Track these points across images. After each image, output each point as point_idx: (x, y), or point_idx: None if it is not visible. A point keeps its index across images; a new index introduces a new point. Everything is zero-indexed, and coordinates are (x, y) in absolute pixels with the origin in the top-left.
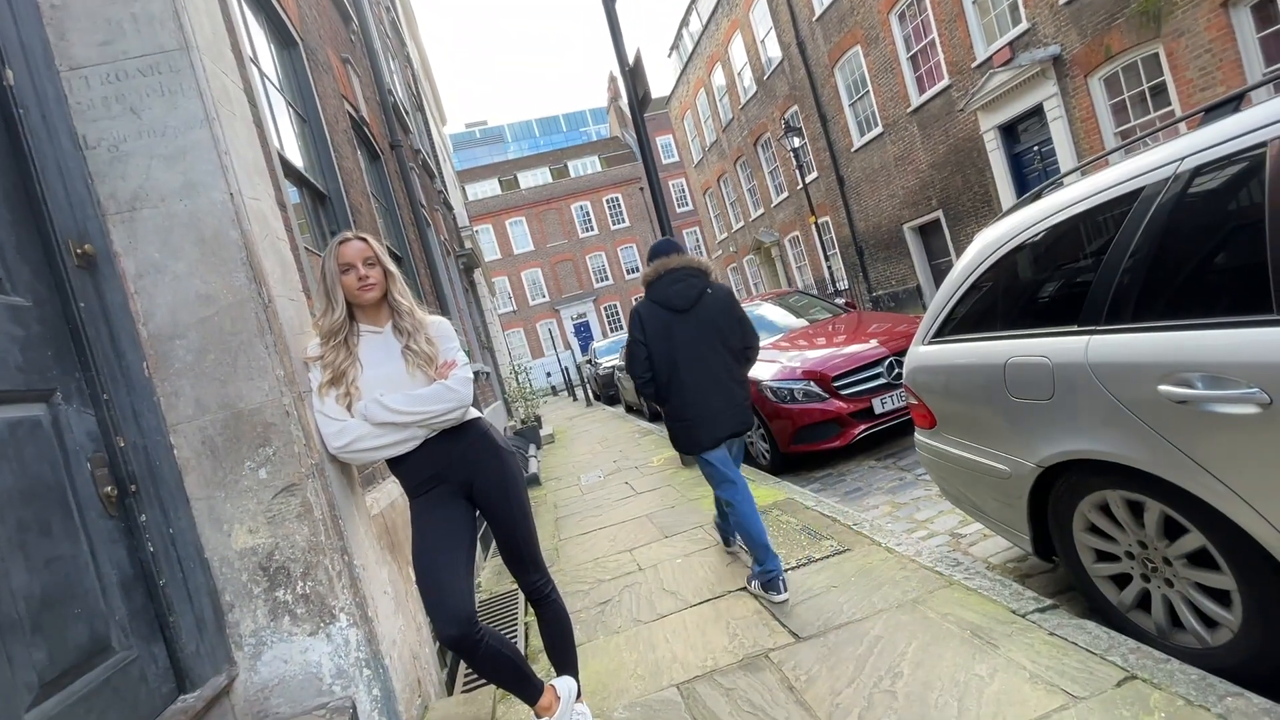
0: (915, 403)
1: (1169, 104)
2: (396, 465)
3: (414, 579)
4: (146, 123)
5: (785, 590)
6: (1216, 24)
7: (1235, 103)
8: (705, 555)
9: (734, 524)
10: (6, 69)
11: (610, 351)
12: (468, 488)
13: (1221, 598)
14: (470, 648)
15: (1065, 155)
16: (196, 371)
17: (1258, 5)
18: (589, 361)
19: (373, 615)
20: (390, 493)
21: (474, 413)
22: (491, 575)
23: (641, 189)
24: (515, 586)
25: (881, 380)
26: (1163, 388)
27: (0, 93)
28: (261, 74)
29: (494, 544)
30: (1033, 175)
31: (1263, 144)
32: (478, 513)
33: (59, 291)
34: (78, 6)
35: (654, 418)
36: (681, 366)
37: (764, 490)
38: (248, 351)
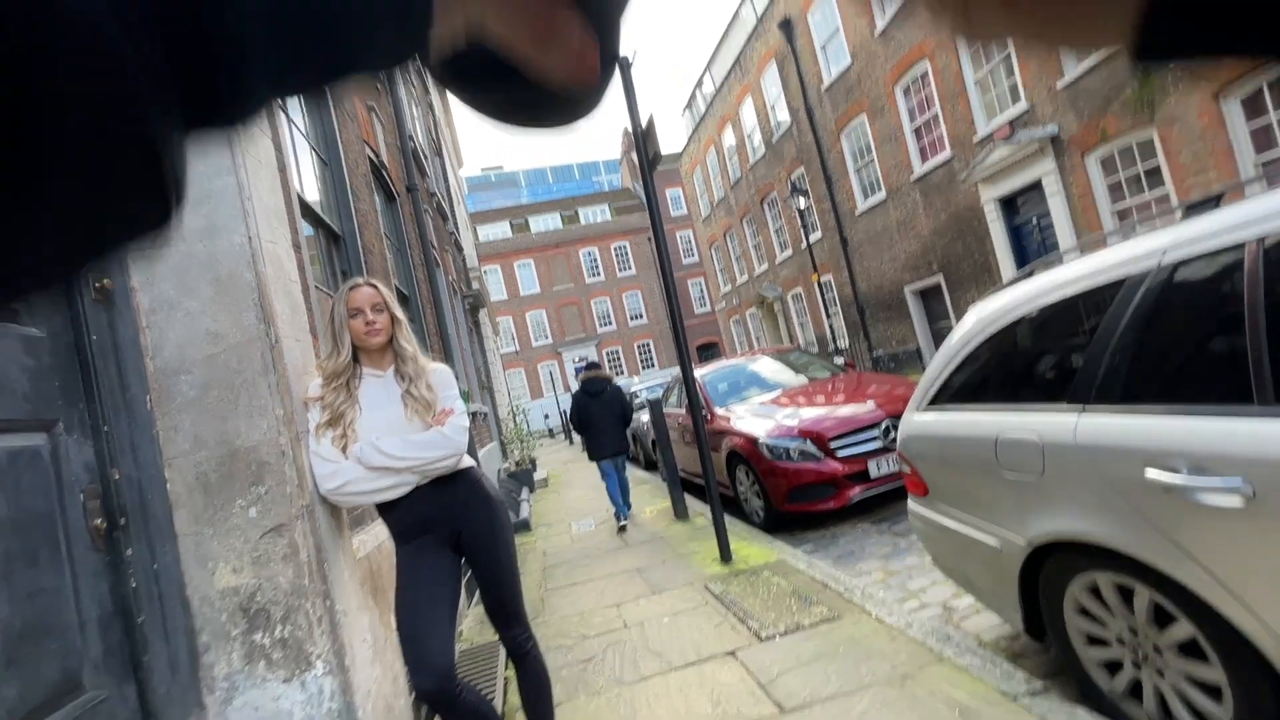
0: (908, 470)
1: (1164, 186)
2: (386, 510)
3: (394, 626)
4: None
5: (623, 519)
6: (1208, 113)
7: (1216, 201)
8: (694, 616)
9: (610, 494)
10: None
11: None
12: (455, 536)
13: (1213, 692)
14: (447, 703)
15: (1063, 229)
16: (199, 407)
17: (1248, 98)
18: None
19: (350, 664)
20: (378, 535)
21: (467, 461)
22: (474, 624)
23: (649, 240)
24: (497, 638)
25: (878, 443)
26: (1150, 473)
27: None
28: (290, 121)
29: (478, 593)
30: (1032, 246)
31: (1240, 244)
32: (464, 562)
33: (73, 324)
34: None
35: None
36: (591, 420)
37: (756, 549)
38: (250, 390)
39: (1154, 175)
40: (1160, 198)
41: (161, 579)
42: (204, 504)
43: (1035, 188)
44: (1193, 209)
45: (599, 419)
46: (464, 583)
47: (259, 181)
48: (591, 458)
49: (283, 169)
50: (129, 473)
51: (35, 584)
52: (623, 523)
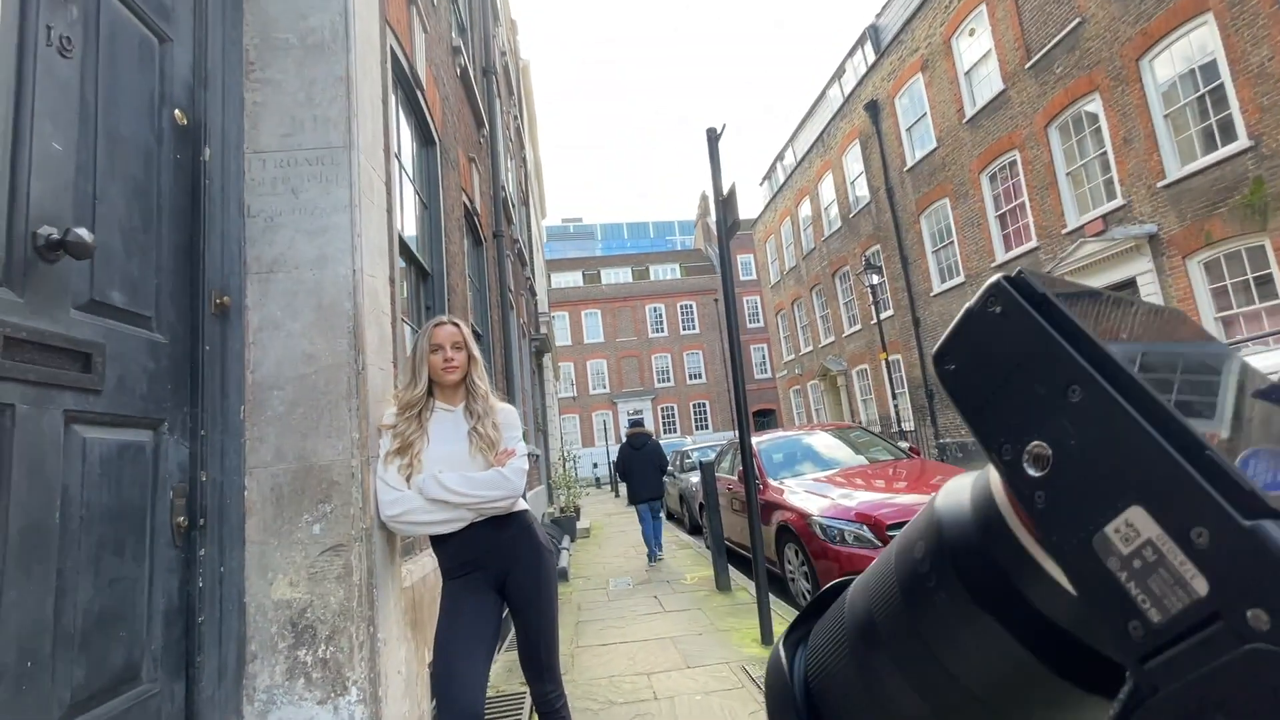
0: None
1: (1276, 297)
2: (439, 543)
3: (429, 661)
4: (301, 202)
5: (654, 559)
6: None
7: None
8: (728, 698)
9: (644, 535)
10: (206, 148)
11: None
12: (502, 579)
13: None
14: None
15: None
16: (284, 422)
17: None
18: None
19: (383, 695)
20: (425, 566)
21: (522, 504)
22: (502, 671)
23: (716, 300)
24: (525, 689)
25: None
26: None
27: (195, 166)
28: (401, 167)
29: (510, 637)
30: None
31: None
32: (504, 606)
33: (192, 334)
34: (273, 104)
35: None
36: (633, 470)
37: None
38: (332, 411)
39: (1265, 284)
40: (1273, 308)
41: (225, 583)
42: (274, 515)
43: (1129, 286)
44: None
45: (640, 468)
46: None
47: (369, 220)
48: (630, 501)
49: (390, 209)
50: (215, 476)
51: (118, 572)
52: (653, 562)
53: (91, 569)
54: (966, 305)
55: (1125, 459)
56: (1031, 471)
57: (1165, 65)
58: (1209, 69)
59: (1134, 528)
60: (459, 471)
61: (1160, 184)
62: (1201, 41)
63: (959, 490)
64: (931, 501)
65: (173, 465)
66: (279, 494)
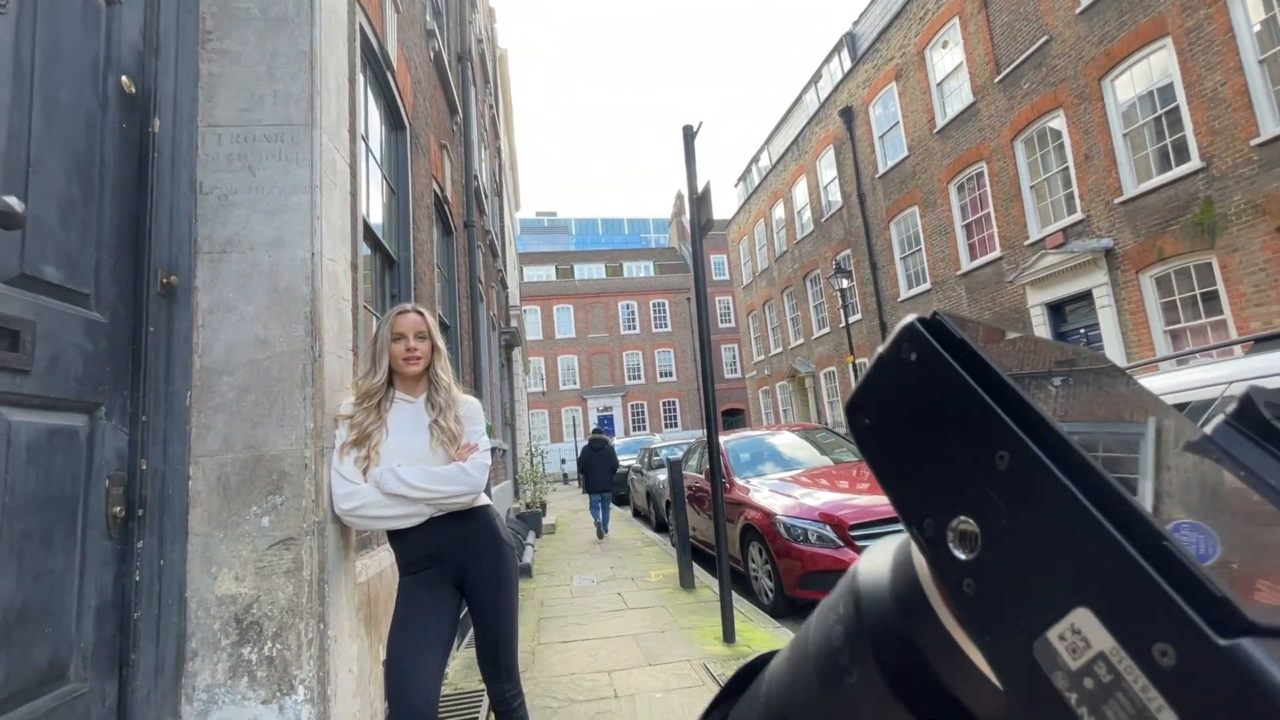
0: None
1: (1221, 313)
2: (396, 538)
3: (382, 659)
4: (259, 180)
5: (602, 535)
6: (1272, 246)
7: None
8: (688, 695)
9: (593, 514)
10: (156, 119)
11: (629, 451)
12: (461, 575)
13: None
14: None
15: (1112, 342)
16: (234, 409)
17: None
18: None
19: (332, 694)
20: (381, 561)
21: (484, 499)
22: (461, 668)
23: (689, 299)
24: (483, 687)
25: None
26: None
27: (144, 137)
28: (368, 150)
29: (469, 634)
30: None
31: None
32: (463, 603)
33: (135, 314)
34: (231, 76)
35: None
36: (591, 467)
37: (761, 634)
38: (286, 399)
39: (1212, 300)
40: (1217, 323)
41: (165, 576)
42: (220, 506)
43: (1085, 298)
44: (1263, 341)
45: (597, 466)
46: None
47: (331, 202)
48: (585, 490)
49: (354, 193)
50: (156, 465)
51: (45, 564)
52: (600, 538)
53: (14, 561)
54: (878, 350)
55: (1065, 548)
56: (958, 553)
57: (1126, 86)
58: (1166, 91)
59: (1082, 636)
60: (418, 465)
61: (1118, 200)
62: (1160, 65)
63: (880, 558)
64: (854, 568)
65: (110, 452)
66: (226, 484)
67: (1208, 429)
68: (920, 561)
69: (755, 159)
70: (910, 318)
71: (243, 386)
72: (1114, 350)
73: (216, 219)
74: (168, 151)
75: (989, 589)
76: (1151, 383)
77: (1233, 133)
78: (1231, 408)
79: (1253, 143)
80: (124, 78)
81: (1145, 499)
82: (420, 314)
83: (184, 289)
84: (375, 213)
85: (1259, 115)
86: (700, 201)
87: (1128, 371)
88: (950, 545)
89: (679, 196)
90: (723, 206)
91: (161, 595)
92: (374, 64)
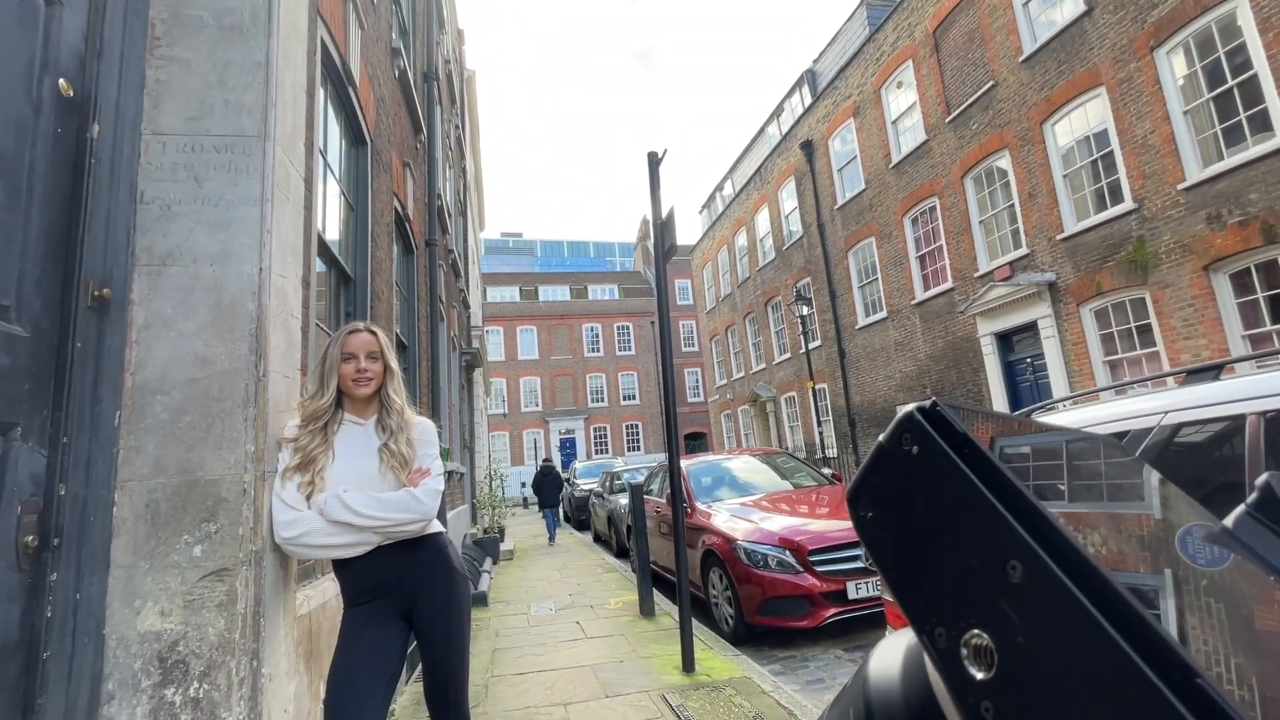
0: (890, 598)
1: (1154, 345)
2: (341, 568)
3: (323, 696)
4: (205, 191)
5: (551, 541)
6: (1198, 284)
7: (1217, 370)
8: None
9: (547, 524)
10: (94, 124)
11: (591, 474)
12: (410, 606)
13: None
14: None
15: (1056, 371)
16: (167, 431)
17: (1236, 274)
18: (567, 480)
19: None
20: (325, 591)
21: (436, 526)
22: (409, 703)
23: (653, 323)
24: None
25: (859, 564)
26: None
27: (80, 143)
28: (326, 164)
29: (420, 668)
30: (1024, 385)
31: (1242, 415)
32: (412, 636)
33: (61, 328)
34: (180, 84)
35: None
36: (542, 488)
37: (721, 662)
38: (225, 420)
39: (1145, 333)
40: (1151, 354)
41: (80, 612)
42: (147, 535)
43: (1031, 329)
44: (1195, 374)
45: (547, 487)
46: (406, 654)
47: (283, 216)
48: (540, 507)
49: (309, 208)
50: (76, 490)
51: None
52: (550, 544)
53: None
54: (878, 440)
55: (1091, 679)
56: (974, 671)
57: (1065, 130)
58: (1101, 137)
59: None
60: (365, 491)
61: (1059, 236)
62: (1096, 112)
63: (890, 661)
64: (864, 667)
65: (24, 476)
66: (155, 511)
67: (1228, 521)
68: (934, 674)
69: (719, 187)
70: (909, 407)
71: (179, 406)
72: (1057, 379)
73: (158, 230)
74: (106, 158)
75: (1010, 716)
76: (1093, 412)
77: (1162, 177)
78: (1252, 497)
79: (1179, 187)
80: (61, 80)
81: (1170, 626)
82: (373, 333)
83: (118, 302)
84: (332, 228)
85: (1184, 161)
86: (664, 227)
87: (1071, 399)
88: (965, 662)
89: (644, 221)
90: (687, 232)
91: (76, 633)
92: (335, 79)
